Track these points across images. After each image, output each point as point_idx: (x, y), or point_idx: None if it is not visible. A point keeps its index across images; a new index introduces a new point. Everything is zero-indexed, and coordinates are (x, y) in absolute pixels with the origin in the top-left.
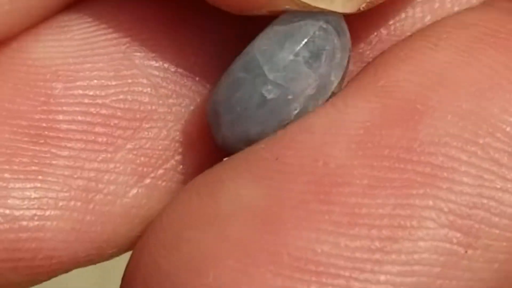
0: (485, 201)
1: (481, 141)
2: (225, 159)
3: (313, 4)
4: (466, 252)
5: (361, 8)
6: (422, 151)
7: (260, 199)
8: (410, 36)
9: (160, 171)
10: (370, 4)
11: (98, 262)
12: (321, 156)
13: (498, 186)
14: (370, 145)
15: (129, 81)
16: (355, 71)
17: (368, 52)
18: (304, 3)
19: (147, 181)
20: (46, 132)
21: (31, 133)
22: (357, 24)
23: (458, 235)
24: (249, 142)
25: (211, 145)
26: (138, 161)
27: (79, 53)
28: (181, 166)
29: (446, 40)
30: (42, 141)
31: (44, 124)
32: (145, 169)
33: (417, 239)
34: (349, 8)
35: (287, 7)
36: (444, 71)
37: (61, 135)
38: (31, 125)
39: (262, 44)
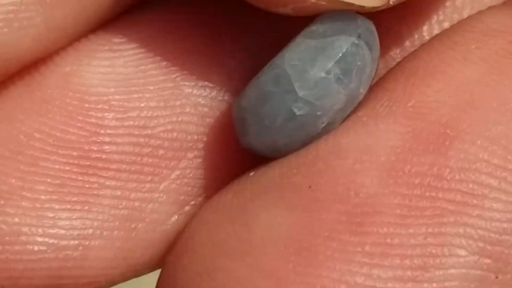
0: None
1: (510, 167)
2: (252, 174)
3: None
4: (496, 277)
5: (391, 3)
6: (452, 178)
7: (293, 229)
8: (438, 42)
9: (200, 199)
10: None
11: (130, 279)
12: (353, 185)
13: None
14: (401, 173)
15: (178, 111)
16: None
17: (397, 52)
18: None
19: (187, 208)
20: (95, 163)
21: (81, 163)
22: (387, 20)
23: (489, 261)
24: (276, 151)
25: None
26: (181, 190)
27: (131, 82)
28: None
29: (475, 53)
30: (91, 172)
31: (94, 155)
32: (186, 198)
33: (448, 267)
34: (375, 2)
35: (313, 0)
36: (474, 89)
37: (109, 166)
38: (81, 156)
39: (292, 58)
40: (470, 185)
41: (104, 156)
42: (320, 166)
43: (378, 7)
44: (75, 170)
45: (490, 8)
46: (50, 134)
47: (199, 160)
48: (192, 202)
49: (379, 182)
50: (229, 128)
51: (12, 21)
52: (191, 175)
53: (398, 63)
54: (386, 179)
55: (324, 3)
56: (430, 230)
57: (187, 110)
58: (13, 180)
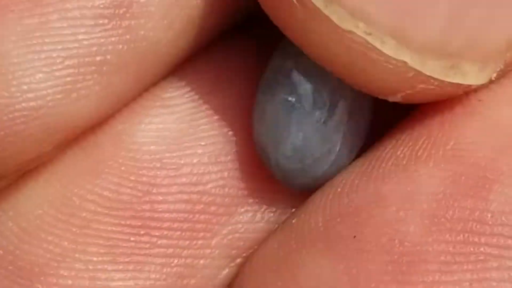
0: None
1: None
2: (294, 221)
3: (448, 80)
4: None
5: (492, 78)
6: (494, 222)
7: (340, 281)
8: None
9: (251, 251)
10: (501, 73)
11: None
12: (396, 234)
13: None
14: (443, 220)
15: (229, 166)
16: None
17: None
18: (439, 79)
19: (238, 260)
20: (147, 223)
21: (133, 224)
22: None
23: None
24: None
25: None
26: (232, 245)
27: (183, 139)
28: None
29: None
30: (143, 232)
31: (146, 215)
32: (238, 251)
33: None
34: (482, 80)
35: (421, 86)
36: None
37: (162, 225)
38: (133, 216)
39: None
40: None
41: (156, 215)
42: (363, 216)
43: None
44: (127, 230)
45: None
46: (103, 195)
47: (250, 214)
48: (244, 255)
49: (422, 230)
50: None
51: (70, 91)
52: (242, 229)
53: None
54: (429, 226)
55: (433, 87)
56: (475, 276)
57: (238, 165)
58: (66, 243)
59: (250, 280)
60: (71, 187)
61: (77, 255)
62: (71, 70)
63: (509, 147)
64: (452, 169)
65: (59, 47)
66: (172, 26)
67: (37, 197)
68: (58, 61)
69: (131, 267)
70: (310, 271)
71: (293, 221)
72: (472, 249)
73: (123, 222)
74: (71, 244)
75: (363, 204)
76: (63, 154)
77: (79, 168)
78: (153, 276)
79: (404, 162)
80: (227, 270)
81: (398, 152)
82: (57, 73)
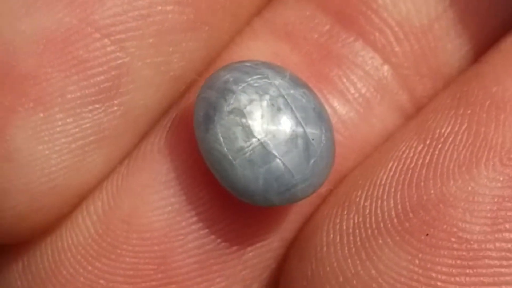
0: None
1: None
2: (357, 198)
3: None
4: None
5: None
6: None
7: (416, 273)
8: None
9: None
10: None
11: None
12: (464, 233)
13: None
14: (502, 221)
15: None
16: None
17: None
18: None
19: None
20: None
21: None
22: None
23: None
24: None
25: None
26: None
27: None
28: None
29: None
30: None
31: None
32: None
33: None
34: None
35: None
36: None
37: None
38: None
39: None
40: None
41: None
42: (433, 214)
43: None
44: None
45: None
46: None
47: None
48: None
49: (486, 229)
50: None
51: (77, 168)
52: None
53: (482, 90)
54: (491, 226)
55: None
56: None
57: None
58: None
59: (322, 263)
60: None
61: None
62: (76, 152)
63: None
64: (509, 173)
65: (63, 134)
66: (159, 90)
67: None
68: (64, 147)
69: None
70: (389, 260)
71: (364, 203)
72: None
73: None
74: None
75: (431, 202)
76: None
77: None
78: None
79: (466, 163)
80: None
81: (459, 153)
82: (63, 157)
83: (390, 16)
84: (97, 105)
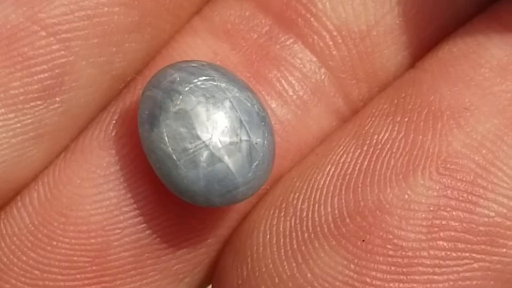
0: None
1: None
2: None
3: None
4: None
5: None
6: (478, 231)
7: (351, 278)
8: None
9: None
10: None
11: None
12: (398, 240)
13: None
14: (437, 229)
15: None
16: None
17: None
18: None
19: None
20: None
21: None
22: None
23: None
24: None
25: None
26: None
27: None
28: None
29: (490, 107)
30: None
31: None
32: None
33: None
34: None
35: None
36: (494, 145)
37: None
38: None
39: None
40: (492, 238)
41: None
42: (369, 220)
43: None
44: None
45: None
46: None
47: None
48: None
49: (420, 237)
50: None
51: (17, 161)
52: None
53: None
54: (425, 234)
55: None
56: (461, 275)
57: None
58: None
59: (257, 263)
60: None
61: None
62: (17, 146)
63: (492, 164)
64: (445, 182)
65: (4, 129)
66: (100, 88)
67: None
68: (5, 141)
69: None
70: (325, 264)
71: (302, 206)
72: (459, 254)
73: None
74: None
75: (368, 208)
76: None
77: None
78: None
79: (403, 171)
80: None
81: (396, 160)
82: (3, 151)
83: (329, 20)
84: (39, 102)
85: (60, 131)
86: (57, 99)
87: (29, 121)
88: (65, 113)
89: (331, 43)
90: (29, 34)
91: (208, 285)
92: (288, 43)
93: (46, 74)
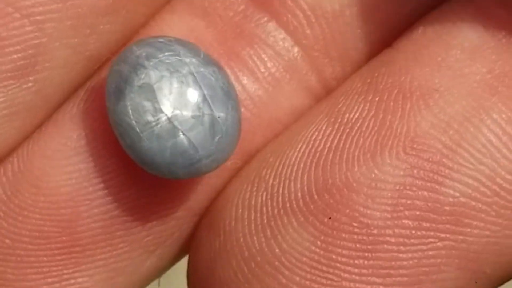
0: (493, 247)
1: (490, 200)
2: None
3: None
4: (476, 282)
5: None
6: (443, 211)
7: (317, 254)
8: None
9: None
10: None
11: None
12: (364, 218)
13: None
14: (402, 208)
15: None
16: None
17: None
18: None
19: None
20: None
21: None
22: None
23: (469, 273)
24: None
25: None
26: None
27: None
28: None
29: (459, 89)
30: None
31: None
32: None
33: (438, 281)
34: None
35: None
36: (461, 126)
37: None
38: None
39: None
40: (457, 217)
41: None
42: (337, 198)
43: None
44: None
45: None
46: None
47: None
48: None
49: (386, 216)
50: None
51: None
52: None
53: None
54: (391, 213)
55: None
56: (425, 253)
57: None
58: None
59: (229, 236)
60: None
61: None
62: None
63: (459, 145)
64: (412, 162)
65: None
66: (73, 68)
67: None
68: None
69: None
70: (292, 240)
71: (273, 181)
72: (424, 233)
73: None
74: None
75: (336, 186)
76: None
77: None
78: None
79: (371, 150)
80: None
81: (365, 139)
82: None
83: (303, 0)
84: (12, 81)
85: (34, 109)
86: (30, 78)
87: (2, 99)
88: (38, 92)
89: (304, 22)
90: (3, 16)
91: (183, 257)
92: (262, 21)
93: (19, 55)
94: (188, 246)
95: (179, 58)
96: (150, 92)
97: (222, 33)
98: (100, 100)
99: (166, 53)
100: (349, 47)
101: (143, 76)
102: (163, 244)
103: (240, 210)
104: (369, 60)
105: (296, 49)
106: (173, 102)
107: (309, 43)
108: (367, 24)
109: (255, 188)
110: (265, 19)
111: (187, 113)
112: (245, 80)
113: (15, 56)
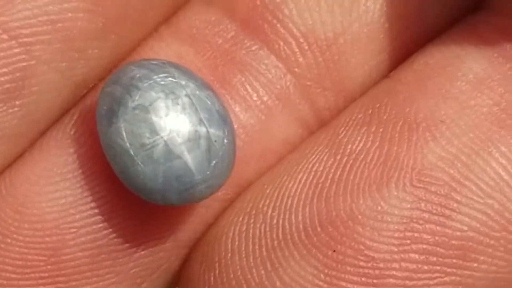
0: (500, 282)
1: (498, 234)
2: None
3: None
4: None
5: None
6: (451, 245)
7: (320, 286)
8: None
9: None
10: None
11: None
12: (370, 252)
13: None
14: (409, 242)
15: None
16: None
17: None
18: None
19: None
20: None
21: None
22: None
23: None
24: None
25: None
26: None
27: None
28: None
29: (466, 121)
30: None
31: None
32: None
33: None
34: None
35: None
36: (469, 159)
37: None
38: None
39: None
40: (464, 252)
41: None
42: (341, 230)
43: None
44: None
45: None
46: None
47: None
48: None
49: (392, 249)
50: None
51: None
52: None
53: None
54: (397, 246)
55: None
56: None
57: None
58: None
59: (226, 269)
60: None
61: None
62: None
63: (466, 178)
64: (419, 194)
65: None
66: (61, 93)
67: None
68: None
69: None
70: (295, 273)
71: (272, 213)
72: (431, 267)
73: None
74: None
75: (340, 218)
76: None
77: None
78: None
79: (377, 182)
80: None
81: (370, 171)
82: None
83: (295, 26)
84: None
85: (19, 135)
86: (17, 102)
87: None
88: (25, 117)
89: (297, 49)
90: None
91: None
92: (253, 48)
93: (6, 77)
94: (175, 279)
95: (175, 80)
96: (145, 114)
97: (212, 60)
98: (87, 125)
99: (161, 75)
100: (343, 77)
101: (137, 97)
102: (150, 276)
103: (237, 243)
104: (363, 91)
105: (288, 77)
106: (169, 125)
107: (301, 72)
108: (361, 53)
109: (252, 220)
110: (256, 46)
111: (184, 135)
112: (237, 108)
113: (2, 78)
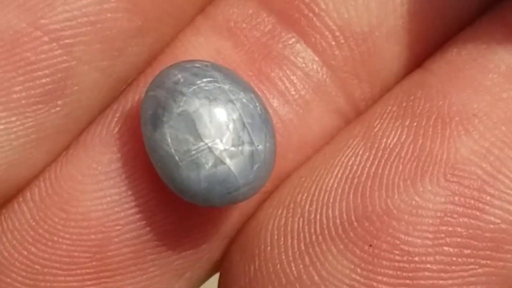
0: None
1: None
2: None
3: None
4: None
5: None
6: (484, 238)
7: (358, 282)
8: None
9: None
10: None
11: None
12: (405, 245)
13: None
14: (443, 235)
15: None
16: None
17: None
18: None
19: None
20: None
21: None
22: None
23: None
24: None
25: None
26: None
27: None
28: None
29: (499, 114)
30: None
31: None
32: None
33: None
34: None
35: None
36: (502, 152)
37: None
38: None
39: None
40: (496, 244)
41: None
42: (377, 225)
43: None
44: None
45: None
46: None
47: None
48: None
49: (427, 243)
50: None
51: (18, 163)
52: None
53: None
54: (432, 240)
55: None
56: (466, 280)
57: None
58: None
59: (265, 263)
60: None
61: None
62: (18, 149)
63: (499, 171)
64: (452, 188)
65: (6, 132)
66: (101, 91)
67: None
68: (6, 144)
69: None
70: (332, 267)
71: (310, 207)
72: (465, 259)
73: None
74: None
75: (376, 213)
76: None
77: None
78: None
79: (411, 176)
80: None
81: (405, 165)
82: (4, 154)
83: (331, 20)
84: (40, 106)
85: (62, 133)
86: (59, 102)
87: (31, 124)
88: (67, 116)
89: (333, 43)
90: (32, 40)
91: (210, 277)
92: (290, 42)
93: (48, 79)
94: (216, 267)
95: (218, 85)
96: (190, 120)
97: (250, 54)
98: (130, 122)
99: (204, 80)
100: (379, 69)
101: (182, 103)
102: (193, 267)
103: (276, 236)
104: (398, 81)
105: (325, 70)
106: (213, 131)
107: (338, 64)
108: (396, 45)
109: (290, 214)
110: (293, 39)
111: (228, 141)
112: (275, 103)
113: (44, 80)
